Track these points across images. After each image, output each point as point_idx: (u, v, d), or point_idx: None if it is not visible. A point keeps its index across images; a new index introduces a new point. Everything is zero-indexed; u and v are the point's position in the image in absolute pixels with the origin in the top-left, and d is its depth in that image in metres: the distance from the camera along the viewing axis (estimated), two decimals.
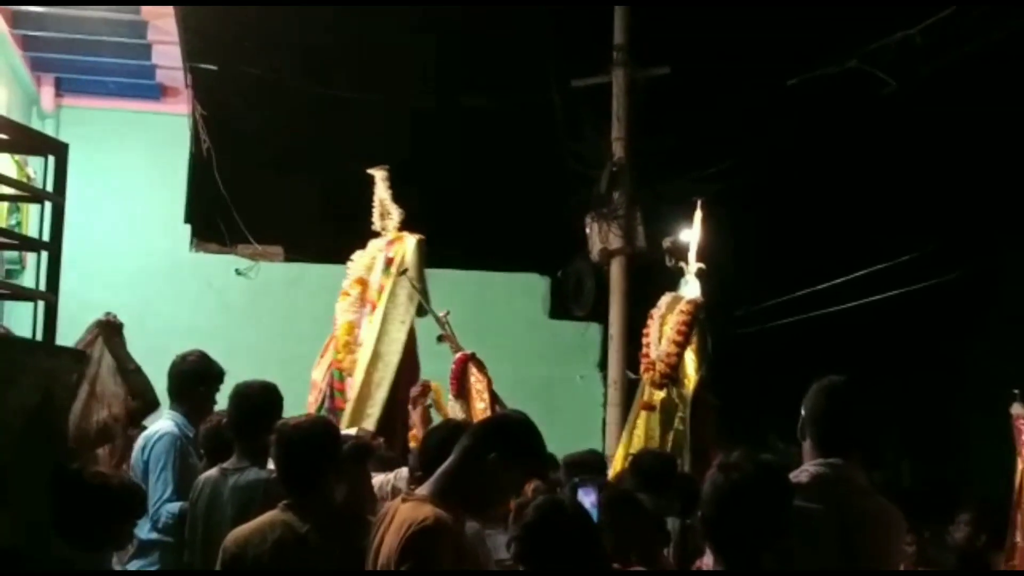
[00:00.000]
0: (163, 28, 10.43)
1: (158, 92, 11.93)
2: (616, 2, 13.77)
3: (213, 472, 5.18)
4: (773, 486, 3.56)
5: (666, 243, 13.88)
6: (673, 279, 12.83)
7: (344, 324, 7.21)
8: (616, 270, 13.36)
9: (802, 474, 3.96)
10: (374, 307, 7.26)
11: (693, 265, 8.69)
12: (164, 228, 12.04)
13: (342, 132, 14.69)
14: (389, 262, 7.29)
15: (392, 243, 7.41)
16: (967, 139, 19.72)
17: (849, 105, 14.44)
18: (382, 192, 7.55)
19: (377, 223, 7.53)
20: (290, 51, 13.37)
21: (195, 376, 6.08)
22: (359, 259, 7.52)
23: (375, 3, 13.09)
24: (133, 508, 4.64)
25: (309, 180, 14.34)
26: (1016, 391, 6.03)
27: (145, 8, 10.09)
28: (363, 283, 7.35)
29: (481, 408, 6.68)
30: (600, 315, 13.51)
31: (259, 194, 13.31)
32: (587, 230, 13.28)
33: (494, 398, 6.82)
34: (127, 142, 11.93)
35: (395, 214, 7.50)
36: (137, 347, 10.30)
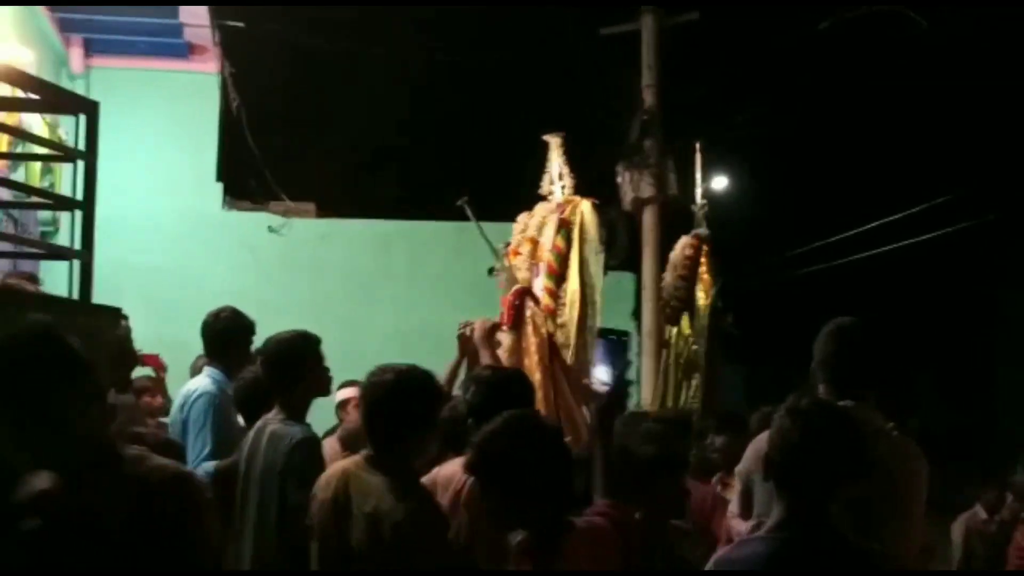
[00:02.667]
0: None
1: (186, 51, 11.92)
2: None
3: (258, 424, 5.21)
4: (844, 431, 3.48)
5: (698, 190, 13.89)
6: (707, 224, 12.78)
7: (521, 281, 7.24)
8: (649, 219, 13.31)
9: None
10: (551, 269, 7.28)
11: (699, 204, 8.79)
12: (196, 187, 12.07)
13: (370, 88, 14.69)
14: (563, 223, 7.31)
15: (563, 206, 7.43)
16: (1000, 80, 19.49)
17: (880, 48, 14.26)
18: (557, 158, 7.57)
19: (545, 188, 7.56)
20: (317, 8, 13.32)
21: (229, 332, 6.12)
22: (528, 220, 7.55)
23: None
24: None
25: (338, 137, 14.35)
26: None
27: None
28: (534, 242, 7.38)
29: (535, 342, 6.66)
30: (633, 265, 13.47)
31: (289, 151, 13.34)
32: (618, 179, 13.23)
33: (550, 337, 6.81)
34: (157, 102, 11.94)
35: (568, 180, 7.53)
36: (171, 306, 10.45)
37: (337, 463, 4.42)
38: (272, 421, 5.07)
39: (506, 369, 5.46)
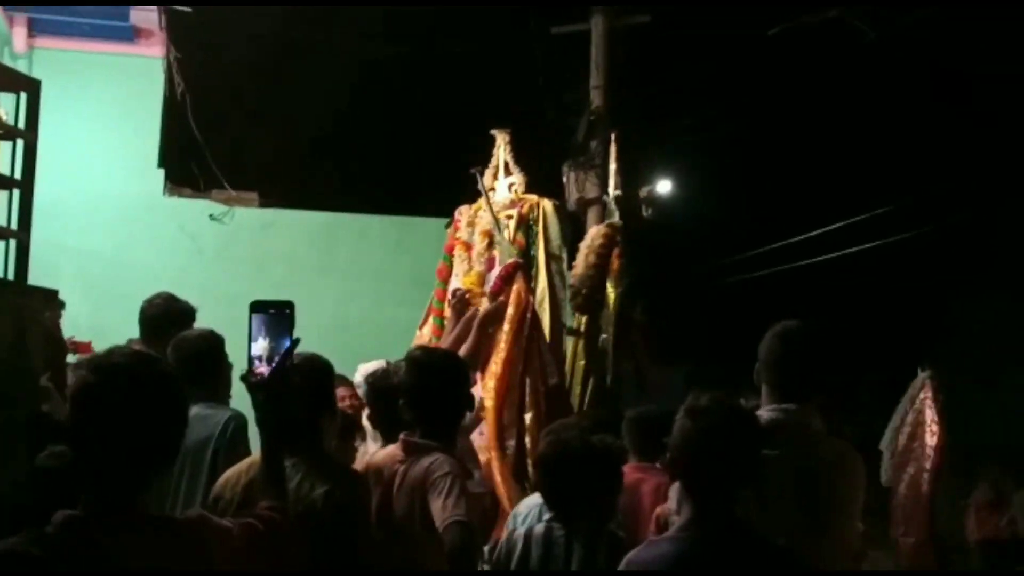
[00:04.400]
0: None
1: (132, 34, 11.78)
2: None
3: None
4: (743, 430, 3.53)
5: (643, 192, 13.91)
6: (650, 226, 12.81)
7: (475, 275, 7.16)
8: (592, 219, 13.32)
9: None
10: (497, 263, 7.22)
11: (612, 193, 8.75)
12: (137, 172, 11.91)
13: (318, 78, 14.56)
14: (522, 220, 7.26)
15: (519, 203, 7.36)
16: (946, 90, 19.71)
17: (829, 55, 14.38)
18: (504, 153, 7.50)
19: (488, 182, 7.47)
20: None
21: (164, 318, 6.01)
22: (474, 213, 7.45)
23: None
24: None
25: (284, 126, 14.22)
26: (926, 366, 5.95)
27: None
28: (489, 236, 7.30)
29: (512, 314, 6.65)
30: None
31: (234, 139, 13.19)
32: (564, 179, 13.23)
33: (534, 314, 6.80)
34: (101, 85, 11.78)
35: (518, 176, 7.46)
36: (109, 291, 10.31)
37: (241, 463, 4.32)
38: (194, 407, 5.05)
39: (439, 350, 5.43)
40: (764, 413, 3.99)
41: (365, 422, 5.84)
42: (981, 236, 23.71)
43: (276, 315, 3.36)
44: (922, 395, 8.26)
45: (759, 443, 3.56)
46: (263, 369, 3.26)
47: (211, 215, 12.05)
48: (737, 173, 22.14)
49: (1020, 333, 24.46)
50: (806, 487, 3.85)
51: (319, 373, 4.27)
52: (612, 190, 9.24)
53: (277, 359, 3.28)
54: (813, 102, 17.89)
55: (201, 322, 5.70)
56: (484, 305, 6.77)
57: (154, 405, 2.78)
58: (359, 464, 4.67)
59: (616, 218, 8.51)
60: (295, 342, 3.33)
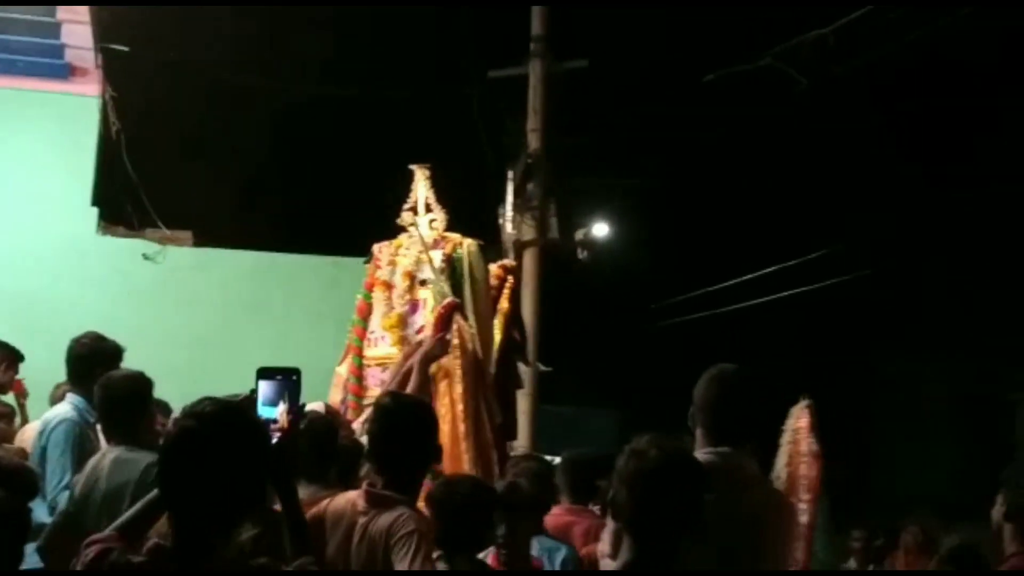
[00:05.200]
0: (73, 7, 10.23)
1: (67, 72, 11.69)
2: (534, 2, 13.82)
3: (96, 455, 5.15)
4: (688, 472, 3.51)
5: (578, 234, 14.02)
6: (585, 268, 12.87)
7: (395, 317, 7.05)
8: (529, 261, 13.38)
9: None
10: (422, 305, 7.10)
11: (509, 233, 8.53)
12: (71, 211, 11.77)
13: (254, 118, 14.54)
14: (447, 260, 7.15)
15: (442, 242, 7.26)
16: (879, 137, 20.07)
17: (764, 103, 14.59)
18: (424, 190, 7.40)
19: (407, 219, 7.34)
20: (204, 35, 13.17)
21: (91, 358, 5.96)
22: (394, 252, 7.32)
23: None
24: (23, 488, 4.58)
25: (220, 165, 14.17)
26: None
27: None
28: (411, 276, 7.18)
29: (460, 363, 6.57)
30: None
31: (169, 178, 13.12)
32: (500, 221, 13.29)
33: (477, 360, 6.74)
34: (34, 122, 11.65)
35: (440, 214, 7.35)
36: (41, 330, 10.16)
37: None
38: (113, 450, 5.01)
39: (408, 397, 5.32)
40: (700, 456, 3.95)
41: None
42: (912, 285, 24.11)
43: (284, 380, 3.57)
44: (797, 424, 8.26)
45: (703, 486, 3.53)
46: (276, 431, 3.43)
47: (144, 254, 11.94)
48: (673, 217, 22.34)
49: (946, 384, 24.87)
50: (740, 531, 3.86)
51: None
52: (509, 229, 9.15)
53: (287, 421, 3.47)
54: (746, 148, 18.14)
55: (133, 362, 5.66)
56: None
57: (243, 453, 3.00)
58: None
59: (511, 259, 8.42)
60: (302, 407, 3.57)
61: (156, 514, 3.21)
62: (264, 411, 3.51)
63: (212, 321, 11.87)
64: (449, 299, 6.77)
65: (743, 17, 15.61)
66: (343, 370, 7.09)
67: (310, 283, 12.43)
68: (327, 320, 11.61)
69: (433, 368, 6.47)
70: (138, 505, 3.26)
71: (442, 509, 4.45)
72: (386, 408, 4.53)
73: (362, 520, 4.21)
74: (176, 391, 5.50)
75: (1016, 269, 20.65)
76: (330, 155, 16.32)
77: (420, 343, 6.52)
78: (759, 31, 13.95)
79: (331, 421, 4.69)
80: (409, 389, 6.02)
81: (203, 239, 12.64)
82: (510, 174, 13.37)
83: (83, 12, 10.26)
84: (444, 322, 6.67)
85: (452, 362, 6.57)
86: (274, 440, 3.34)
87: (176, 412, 5.22)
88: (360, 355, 7.07)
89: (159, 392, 5.50)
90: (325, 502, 4.42)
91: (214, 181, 13.99)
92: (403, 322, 6.99)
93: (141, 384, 5.23)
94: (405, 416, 4.46)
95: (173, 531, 2.94)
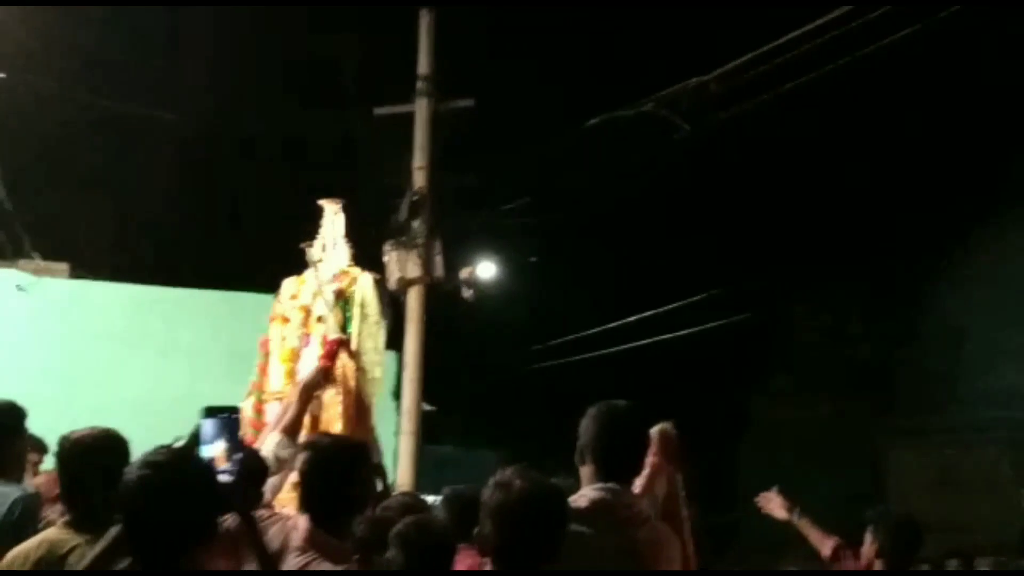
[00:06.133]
0: None
1: None
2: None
3: None
4: (549, 501, 3.57)
5: (463, 273, 14.02)
6: (470, 308, 12.85)
7: (288, 351, 6.92)
8: (413, 299, 13.35)
9: (580, 499, 3.95)
10: (314, 339, 6.97)
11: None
12: None
13: (135, 149, 14.33)
14: (339, 294, 7.04)
15: (340, 277, 7.16)
16: (759, 183, 20.51)
17: (645, 148, 14.80)
18: (334, 225, 7.29)
19: (317, 254, 7.22)
20: (84, 64, 12.98)
21: None
22: (298, 287, 7.20)
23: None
24: None
25: (98, 196, 13.93)
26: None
27: None
28: (306, 311, 7.07)
29: (340, 400, 6.49)
30: (395, 344, 13.47)
31: (45, 207, 12.86)
32: (385, 258, 13.24)
33: (359, 396, 6.65)
34: None
35: (345, 249, 7.26)
36: None
37: (30, 540, 4.19)
38: None
39: (332, 438, 5.17)
40: (589, 492, 4.01)
41: None
42: (789, 331, 24.64)
43: (226, 419, 3.99)
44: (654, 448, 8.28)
45: (565, 515, 3.60)
46: (226, 471, 3.89)
47: (18, 285, 11.65)
48: (558, 258, 22.52)
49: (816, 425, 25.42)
50: (626, 567, 3.88)
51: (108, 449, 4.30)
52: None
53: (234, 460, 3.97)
54: (630, 192, 18.37)
55: (5, 395, 5.49)
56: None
57: (193, 493, 3.47)
58: None
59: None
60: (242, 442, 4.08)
61: (123, 549, 3.55)
62: (205, 449, 3.93)
63: (89, 354, 11.59)
64: (336, 335, 6.73)
65: (628, 61, 15.87)
66: (247, 407, 6.98)
67: (190, 318, 12.22)
68: (209, 355, 11.43)
69: (315, 407, 6.42)
70: (103, 543, 3.63)
71: None
72: (323, 448, 4.42)
73: (299, 559, 4.11)
74: (49, 426, 5.36)
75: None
76: (214, 189, 16.16)
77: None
78: (642, 77, 14.19)
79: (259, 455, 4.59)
80: (285, 420, 5.94)
81: (80, 271, 12.39)
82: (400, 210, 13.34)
83: None
84: (329, 357, 6.63)
85: (334, 399, 6.53)
86: (221, 476, 3.80)
87: (51, 448, 5.09)
88: (261, 390, 6.99)
89: (32, 427, 5.35)
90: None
91: (92, 212, 13.74)
92: (295, 355, 6.91)
93: (11, 416, 5.07)
94: (329, 458, 4.33)
95: (138, 557, 3.45)
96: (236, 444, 3.81)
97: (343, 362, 6.63)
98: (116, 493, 4.00)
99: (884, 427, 26.36)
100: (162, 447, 3.65)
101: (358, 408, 6.61)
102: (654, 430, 4.52)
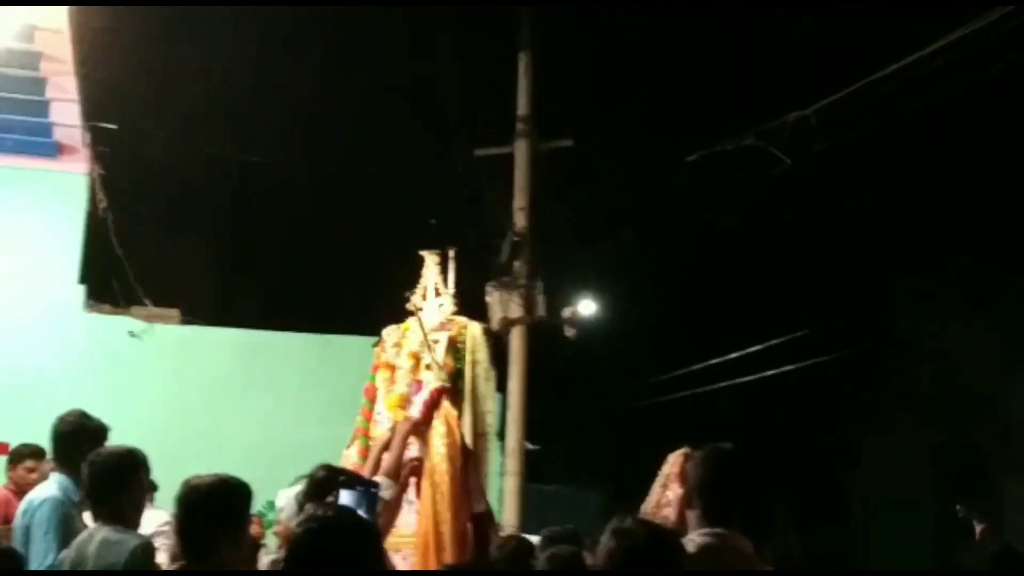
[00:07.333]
0: (62, 85, 10.25)
1: (55, 150, 11.72)
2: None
3: (83, 535, 5.05)
4: (665, 551, 3.55)
5: (566, 312, 14.02)
6: (573, 347, 12.80)
7: (396, 397, 7.04)
8: (516, 339, 13.38)
9: (689, 544, 3.92)
10: (425, 386, 7.08)
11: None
12: (58, 287, 11.78)
13: (241, 196, 14.59)
14: (452, 343, 7.16)
15: (448, 325, 7.27)
16: (859, 216, 20.20)
17: (746, 181, 14.68)
18: (434, 275, 7.44)
19: (418, 302, 7.35)
20: (192, 112, 13.27)
21: (76, 436, 5.89)
22: (401, 335, 7.32)
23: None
24: (7, 570, 4.54)
25: (207, 243, 14.19)
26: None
27: (44, 65, 9.94)
28: (416, 358, 7.19)
29: (447, 443, 6.56)
30: (499, 384, 13.50)
31: (156, 255, 13.15)
32: (487, 299, 13.30)
33: (464, 444, 6.72)
34: (22, 200, 11.71)
35: (448, 299, 7.40)
36: (27, 407, 10.10)
37: None
38: (100, 530, 4.93)
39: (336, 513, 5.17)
40: (697, 537, 3.98)
41: None
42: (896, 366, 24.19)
43: (364, 492, 4.35)
44: (671, 470, 8.06)
45: (681, 565, 3.57)
46: None
47: (130, 331, 11.92)
48: (658, 295, 22.40)
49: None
50: None
51: (224, 487, 4.27)
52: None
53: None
54: (732, 226, 18.23)
55: (117, 441, 5.60)
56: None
57: (358, 548, 3.46)
58: None
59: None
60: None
61: None
62: None
63: (199, 399, 11.84)
64: (439, 384, 6.80)
65: (727, 98, 15.78)
66: (352, 452, 7.06)
67: (297, 362, 12.40)
68: (315, 399, 11.58)
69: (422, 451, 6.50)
70: None
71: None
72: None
73: None
74: (160, 470, 5.46)
75: None
76: (316, 233, 16.37)
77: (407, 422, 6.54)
78: (742, 111, 14.07)
79: None
80: (385, 464, 6.02)
81: (189, 317, 12.64)
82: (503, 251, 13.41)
83: (71, 90, 10.29)
84: (431, 407, 6.70)
85: (438, 445, 6.58)
86: None
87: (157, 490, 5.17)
88: (367, 436, 7.06)
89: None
90: None
91: (201, 259, 14.02)
92: (404, 402, 6.98)
93: (130, 461, 5.15)
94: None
95: None
96: (374, 519, 3.86)
97: (445, 410, 6.70)
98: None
99: (999, 459, 25.68)
100: (325, 504, 3.76)
101: (464, 453, 6.66)
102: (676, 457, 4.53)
